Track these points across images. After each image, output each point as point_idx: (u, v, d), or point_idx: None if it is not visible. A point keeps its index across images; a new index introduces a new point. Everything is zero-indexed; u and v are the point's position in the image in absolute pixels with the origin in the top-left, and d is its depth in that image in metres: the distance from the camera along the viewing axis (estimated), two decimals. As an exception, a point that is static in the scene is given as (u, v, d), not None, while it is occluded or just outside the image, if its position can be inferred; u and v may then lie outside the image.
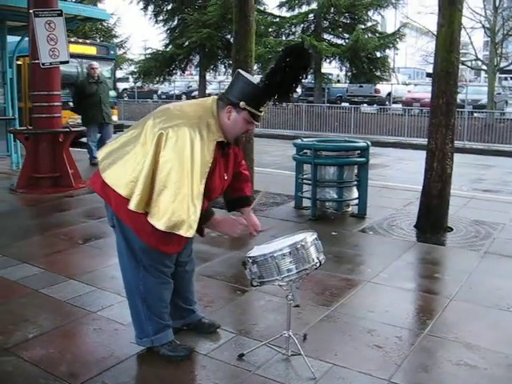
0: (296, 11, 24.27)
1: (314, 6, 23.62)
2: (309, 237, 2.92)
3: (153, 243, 2.82)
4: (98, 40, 23.90)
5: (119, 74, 24.98)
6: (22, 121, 11.59)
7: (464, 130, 16.27)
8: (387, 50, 24.17)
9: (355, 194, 6.69)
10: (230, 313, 3.78)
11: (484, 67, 24.12)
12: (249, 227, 3.10)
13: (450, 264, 5.12)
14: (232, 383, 2.86)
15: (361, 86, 25.91)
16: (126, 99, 27.36)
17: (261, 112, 2.81)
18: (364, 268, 4.74)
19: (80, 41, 14.40)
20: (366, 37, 22.58)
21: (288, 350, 3.07)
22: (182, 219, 2.65)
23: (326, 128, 19.17)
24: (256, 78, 2.85)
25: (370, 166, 6.67)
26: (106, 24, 26.88)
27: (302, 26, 24.03)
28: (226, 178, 2.97)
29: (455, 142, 5.91)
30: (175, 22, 25.52)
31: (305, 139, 7.22)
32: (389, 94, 24.76)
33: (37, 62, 7.55)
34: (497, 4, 20.80)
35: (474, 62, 24.28)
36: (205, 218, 2.78)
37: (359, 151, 6.57)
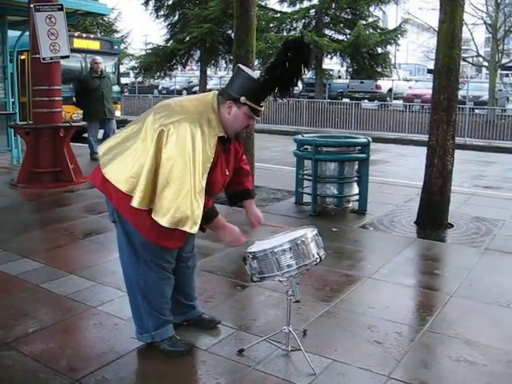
0: (297, 6, 24.28)
1: (315, 1, 23.62)
2: (309, 232, 2.92)
3: (153, 238, 2.82)
4: (99, 35, 23.86)
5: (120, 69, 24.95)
6: (25, 115, 11.62)
7: (465, 127, 16.25)
8: (388, 46, 24.19)
9: (356, 189, 6.68)
10: (230, 308, 3.79)
11: (485, 63, 24.11)
12: (252, 220, 3.15)
13: (450, 260, 5.12)
14: (232, 378, 2.86)
15: (362, 82, 25.86)
16: (126, 94, 27.33)
17: (261, 107, 2.80)
18: (364, 264, 4.74)
19: (84, 35, 14.39)
20: (368, 32, 22.58)
21: (288, 346, 3.07)
22: (186, 215, 2.65)
23: (327, 124, 19.15)
24: (256, 73, 2.84)
25: (370, 162, 6.67)
26: (106, 19, 26.91)
27: (303, 21, 24.02)
28: (227, 173, 2.97)
29: (456, 138, 5.89)
30: (176, 17, 25.51)
31: (305, 135, 7.22)
32: (390, 90, 24.71)
33: (37, 56, 7.54)
34: (499, 0, 20.74)
35: (475, 59, 24.28)
36: (208, 217, 2.77)
37: (360, 147, 6.56)
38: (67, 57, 7.92)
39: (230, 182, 3.07)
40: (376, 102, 23.77)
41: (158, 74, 25.62)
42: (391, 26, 28.76)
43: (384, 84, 25.92)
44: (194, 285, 3.38)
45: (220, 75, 29.02)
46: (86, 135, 10.35)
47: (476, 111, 18.89)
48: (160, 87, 33.24)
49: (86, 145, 10.44)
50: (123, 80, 30.23)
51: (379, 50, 23.57)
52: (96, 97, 9.91)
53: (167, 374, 2.91)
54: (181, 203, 2.63)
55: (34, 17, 7.43)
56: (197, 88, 27.61)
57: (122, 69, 27.67)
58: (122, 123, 12.59)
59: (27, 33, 8.49)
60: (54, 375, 2.84)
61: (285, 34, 23.73)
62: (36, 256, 4.70)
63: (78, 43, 13.34)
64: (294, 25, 24.17)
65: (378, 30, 23.80)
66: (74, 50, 12.82)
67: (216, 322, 3.42)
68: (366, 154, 6.49)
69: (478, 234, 5.65)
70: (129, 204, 2.73)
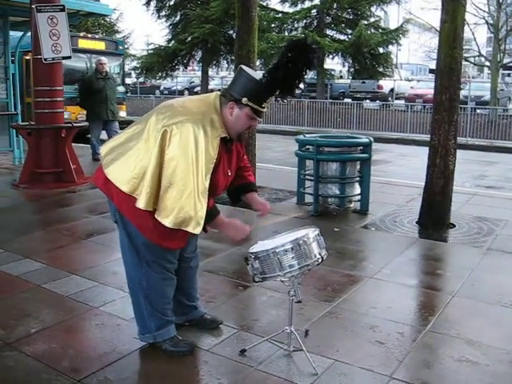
0: (299, 7, 24.29)
1: (316, 1, 23.63)
2: (311, 232, 2.92)
3: (155, 239, 2.82)
4: (101, 35, 23.89)
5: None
6: (30, 116, 11.64)
7: (467, 127, 16.24)
8: (390, 46, 24.16)
9: (357, 190, 6.68)
10: (231, 308, 3.79)
11: (487, 63, 24.11)
12: (260, 208, 3.15)
13: (452, 260, 5.12)
14: (234, 379, 2.86)
15: (363, 82, 25.86)
16: (128, 95, 27.34)
17: (263, 108, 2.79)
18: (366, 264, 4.74)
19: (89, 36, 14.43)
20: (369, 32, 22.57)
21: (290, 346, 3.07)
22: (189, 215, 2.65)
23: (329, 124, 19.15)
24: (259, 74, 2.83)
25: (372, 162, 6.66)
26: (108, 19, 26.93)
27: (305, 21, 24.03)
28: (229, 174, 2.96)
29: (458, 138, 5.89)
30: (178, 18, 25.52)
31: (307, 135, 7.22)
32: (391, 90, 24.72)
33: (39, 57, 7.55)
34: (500, 0, 20.72)
35: (477, 58, 24.28)
36: (210, 216, 2.77)
37: (362, 147, 6.56)
38: (69, 57, 7.93)
39: (231, 180, 3.07)
40: (378, 102, 23.78)
41: (160, 74, 25.62)
42: (393, 25, 28.76)
43: (386, 84, 25.93)
44: (196, 285, 3.37)
45: (222, 75, 29.04)
46: (89, 136, 10.36)
47: (478, 111, 18.89)
48: (162, 88, 33.26)
49: (88, 145, 10.46)
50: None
51: (381, 50, 23.56)
52: (100, 98, 9.90)
53: (169, 375, 2.91)
54: (184, 203, 2.63)
55: (35, 17, 7.44)
56: (198, 88, 27.61)
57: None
58: (126, 124, 12.66)
59: (29, 33, 8.49)
60: (56, 376, 2.84)
61: (286, 34, 23.75)
62: (38, 256, 4.70)
63: (83, 44, 13.37)
64: (296, 25, 24.18)
65: (380, 30, 23.79)
66: (79, 51, 12.92)
67: (218, 323, 3.42)
68: (368, 154, 6.48)
69: (480, 234, 5.64)
70: (130, 204, 2.73)
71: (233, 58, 21.55)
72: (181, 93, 29.60)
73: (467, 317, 3.68)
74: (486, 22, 21.78)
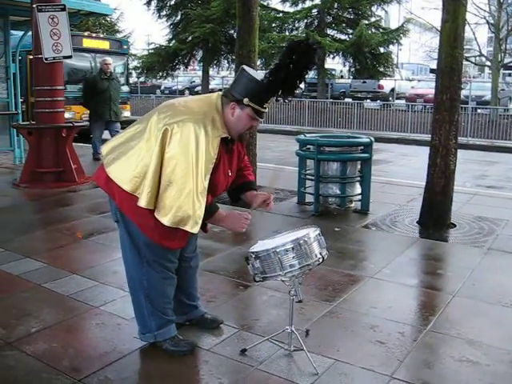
0: (299, 6, 24.29)
1: (317, 1, 23.63)
2: (312, 232, 2.92)
3: (156, 238, 2.82)
4: (101, 35, 23.92)
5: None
6: (33, 115, 11.66)
7: (467, 126, 16.22)
8: (391, 46, 24.15)
9: (358, 189, 6.68)
10: (232, 308, 3.79)
11: (488, 63, 24.09)
12: (263, 200, 3.06)
13: (452, 260, 5.12)
14: (234, 378, 2.86)
15: (364, 82, 25.86)
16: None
17: (265, 108, 2.79)
18: (367, 264, 4.73)
19: (93, 35, 14.45)
20: (370, 32, 22.56)
21: (290, 346, 3.07)
22: (188, 215, 2.65)
23: (329, 124, 19.14)
24: (260, 74, 2.83)
25: (373, 161, 6.66)
26: (109, 19, 26.93)
27: (306, 21, 24.03)
28: (229, 174, 2.96)
29: (459, 138, 5.89)
30: (178, 17, 25.53)
31: (308, 135, 7.22)
32: (392, 90, 24.73)
33: (40, 56, 7.55)
34: (501, 0, 20.71)
35: (477, 58, 24.28)
36: (209, 212, 2.77)
37: (362, 147, 6.56)
38: (70, 57, 7.94)
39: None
40: (378, 101, 23.79)
41: (161, 74, 25.64)
42: (393, 25, 28.81)
43: (386, 84, 25.93)
44: (196, 285, 3.37)
45: (222, 75, 29.04)
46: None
47: (479, 111, 18.87)
48: (162, 87, 33.28)
49: (88, 145, 10.45)
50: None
51: (381, 50, 23.56)
52: (103, 98, 9.89)
53: (170, 374, 2.91)
54: (183, 203, 2.64)
55: (36, 17, 7.44)
56: (199, 88, 27.63)
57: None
58: (130, 124, 12.66)
59: (30, 33, 8.49)
60: (57, 375, 2.85)
61: (287, 33, 23.75)
62: (38, 256, 4.71)
63: (88, 43, 13.39)
64: (297, 24, 24.18)
65: (381, 30, 23.79)
66: (83, 50, 12.92)
67: (218, 322, 3.42)
68: (369, 153, 6.48)
69: (480, 234, 5.64)
70: (132, 203, 2.73)
71: (233, 57, 21.55)
72: (181, 92, 29.60)
73: (468, 317, 3.68)
74: (487, 22, 21.78)
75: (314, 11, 23.63)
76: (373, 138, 6.59)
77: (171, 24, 25.81)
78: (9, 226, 5.69)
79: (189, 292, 3.31)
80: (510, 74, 38.08)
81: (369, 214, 6.36)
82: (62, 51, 7.64)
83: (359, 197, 6.62)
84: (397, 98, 24.62)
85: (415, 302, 4.04)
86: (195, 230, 2.70)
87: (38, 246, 5.07)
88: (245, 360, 3.02)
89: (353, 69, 24.63)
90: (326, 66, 24.66)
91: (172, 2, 25.26)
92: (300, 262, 2.83)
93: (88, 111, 10.50)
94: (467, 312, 3.76)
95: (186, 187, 2.63)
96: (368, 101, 24.76)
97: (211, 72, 28.14)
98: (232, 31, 23.29)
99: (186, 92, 30.30)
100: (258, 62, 17.89)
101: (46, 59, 7.53)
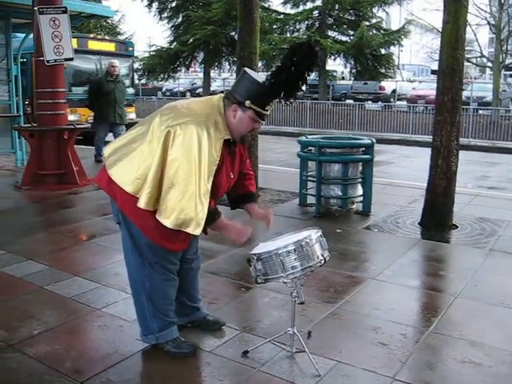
0: (300, 8, 24.31)
1: (318, 2, 23.64)
2: (313, 234, 2.92)
3: (157, 240, 2.83)
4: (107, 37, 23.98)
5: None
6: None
7: (469, 128, 16.21)
8: (392, 47, 24.14)
9: (360, 191, 6.68)
10: (234, 310, 3.79)
11: (489, 64, 24.08)
12: (262, 218, 3.12)
13: (454, 261, 5.11)
14: (236, 380, 2.86)
15: (365, 83, 25.87)
16: (131, 96, 27.40)
17: (266, 111, 2.80)
18: (368, 265, 4.73)
19: (99, 37, 14.49)
20: (371, 34, 22.58)
21: (292, 347, 3.07)
22: (190, 217, 2.65)
23: (331, 125, 19.13)
24: (262, 76, 2.83)
25: (374, 163, 6.65)
26: (110, 21, 26.93)
27: (307, 22, 24.05)
28: (232, 176, 2.97)
29: (460, 139, 5.88)
30: (179, 19, 25.57)
31: (309, 136, 7.21)
32: (393, 91, 24.73)
33: (41, 59, 7.57)
34: (502, 1, 20.72)
35: (479, 59, 24.30)
36: (211, 218, 2.77)
37: (364, 148, 6.55)
38: (71, 59, 7.95)
39: (233, 186, 3.07)
40: (380, 103, 23.76)
41: (162, 75, 25.67)
42: (394, 26, 28.80)
43: (388, 85, 25.93)
44: (198, 287, 3.38)
45: (224, 77, 29.06)
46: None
47: (480, 112, 18.85)
48: (164, 89, 33.29)
49: (90, 147, 10.46)
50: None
51: (383, 51, 23.55)
52: (108, 100, 9.89)
53: (172, 376, 2.91)
54: (185, 205, 2.64)
55: (37, 19, 7.46)
56: (200, 90, 27.66)
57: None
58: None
59: (31, 35, 8.51)
60: (59, 377, 2.85)
61: (288, 35, 23.77)
62: (40, 258, 4.71)
63: (93, 45, 13.41)
64: (298, 26, 24.20)
65: (382, 31, 23.80)
66: (88, 52, 12.95)
67: (220, 324, 3.42)
68: (370, 155, 6.48)
69: (482, 235, 5.63)
70: (134, 205, 2.73)
71: (235, 59, 21.51)
72: (183, 94, 29.64)
73: (470, 318, 3.67)
74: (488, 23, 21.80)
75: (315, 13, 23.65)
76: (374, 140, 6.59)
77: (172, 26, 25.86)
78: (11, 228, 5.70)
79: (190, 294, 3.31)
80: (511, 75, 38.04)
81: (370, 216, 6.36)
82: (64, 54, 7.66)
83: (361, 198, 6.61)
84: (398, 100, 24.61)
85: (417, 304, 4.03)
86: (197, 232, 2.70)
87: (40, 248, 5.07)
88: (247, 362, 3.02)
89: (354, 70, 24.62)
90: (328, 67, 24.67)
91: (173, 4, 25.31)
92: (302, 264, 2.83)
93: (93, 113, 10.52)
94: (469, 313, 3.75)
95: (189, 189, 2.63)
96: (369, 102, 24.74)
97: (212, 74, 28.17)
98: (233, 33, 23.32)
99: (188, 94, 30.33)
100: (260, 64, 17.88)
101: (48, 62, 7.54)
